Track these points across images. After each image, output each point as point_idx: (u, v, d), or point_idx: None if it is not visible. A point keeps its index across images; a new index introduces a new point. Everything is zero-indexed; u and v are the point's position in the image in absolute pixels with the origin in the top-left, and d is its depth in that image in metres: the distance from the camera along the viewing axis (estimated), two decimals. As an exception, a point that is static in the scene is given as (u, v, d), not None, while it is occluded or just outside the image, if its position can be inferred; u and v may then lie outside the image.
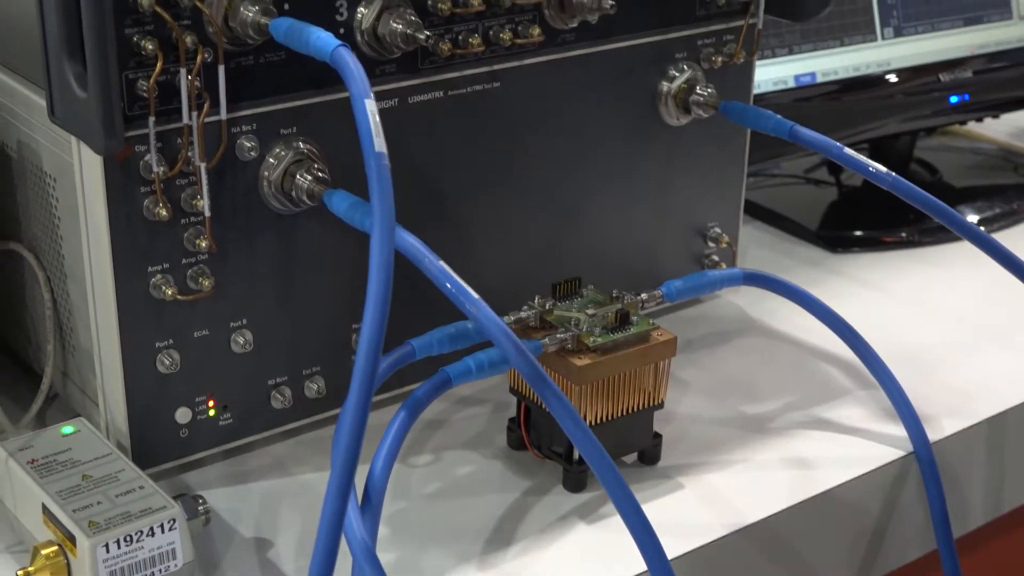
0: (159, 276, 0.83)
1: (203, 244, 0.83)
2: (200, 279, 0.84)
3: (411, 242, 0.77)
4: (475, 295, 0.76)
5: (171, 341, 0.85)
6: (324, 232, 0.88)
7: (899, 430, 0.95)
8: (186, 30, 0.79)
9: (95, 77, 0.74)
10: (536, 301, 0.88)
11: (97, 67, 0.74)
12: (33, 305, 0.93)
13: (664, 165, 1.06)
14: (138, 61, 0.78)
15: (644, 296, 0.93)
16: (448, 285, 0.75)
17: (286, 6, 0.83)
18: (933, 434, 0.95)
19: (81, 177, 0.82)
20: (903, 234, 1.28)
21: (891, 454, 0.93)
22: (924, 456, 0.93)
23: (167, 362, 0.85)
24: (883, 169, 0.96)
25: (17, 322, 0.97)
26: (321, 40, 0.76)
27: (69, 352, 0.91)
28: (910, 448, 0.94)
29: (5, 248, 0.92)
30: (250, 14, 0.80)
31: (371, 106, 0.72)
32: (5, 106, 0.90)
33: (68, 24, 0.76)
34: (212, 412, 0.88)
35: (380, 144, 0.72)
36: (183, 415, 0.87)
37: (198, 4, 0.79)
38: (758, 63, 1.10)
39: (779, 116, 1.01)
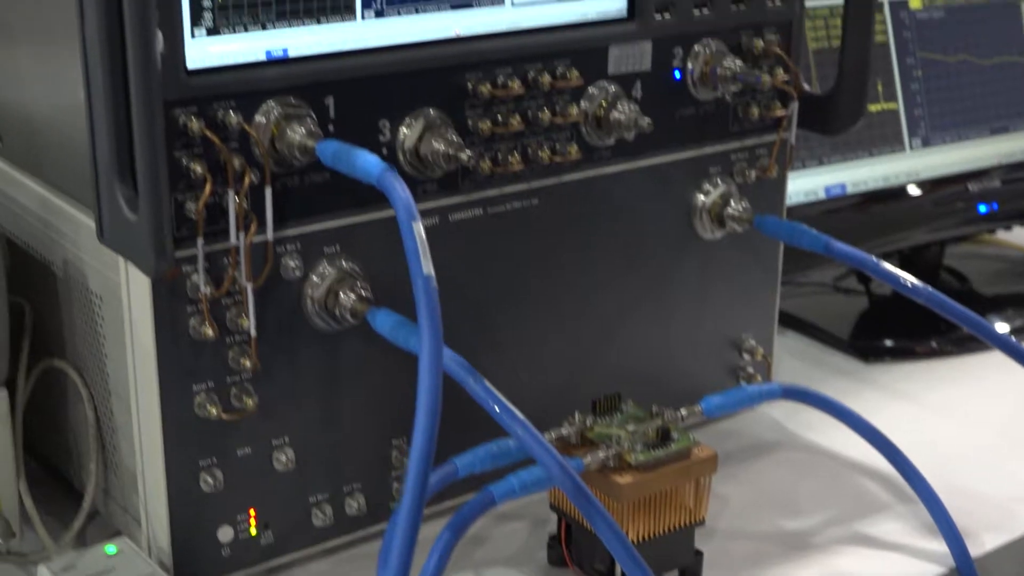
0: (203, 395, 0.84)
1: (247, 363, 0.84)
2: (244, 398, 0.85)
3: (456, 362, 0.78)
4: (520, 415, 0.76)
5: (214, 459, 0.85)
6: (367, 350, 0.89)
7: (940, 545, 0.94)
8: (234, 152, 0.80)
9: (147, 200, 0.75)
10: (576, 418, 0.89)
11: (149, 190, 0.75)
12: (76, 423, 0.94)
13: (699, 278, 1.06)
14: (187, 183, 0.80)
15: (683, 412, 0.93)
16: (495, 407, 0.76)
17: (331, 127, 0.84)
18: (975, 549, 0.94)
19: (128, 297, 0.83)
20: (934, 344, 1.28)
21: (933, 571, 0.93)
22: (966, 572, 0.93)
23: (210, 480, 0.85)
24: (919, 283, 0.97)
25: (59, 439, 0.97)
26: (368, 163, 0.78)
27: (111, 470, 0.91)
28: (952, 564, 0.93)
29: (49, 366, 0.93)
30: (297, 136, 0.81)
31: (418, 229, 0.73)
32: (52, 225, 0.91)
33: (119, 147, 0.77)
34: (253, 530, 0.88)
35: (428, 267, 0.73)
36: (225, 533, 0.87)
37: (246, 127, 0.80)
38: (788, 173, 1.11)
39: (814, 231, 1.01)
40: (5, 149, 0.96)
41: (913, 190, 1.32)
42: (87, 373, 0.91)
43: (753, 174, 1.06)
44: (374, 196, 0.79)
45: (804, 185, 1.24)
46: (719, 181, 1.05)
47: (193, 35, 0.79)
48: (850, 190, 1.27)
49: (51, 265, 0.92)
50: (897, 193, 1.31)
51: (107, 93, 0.75)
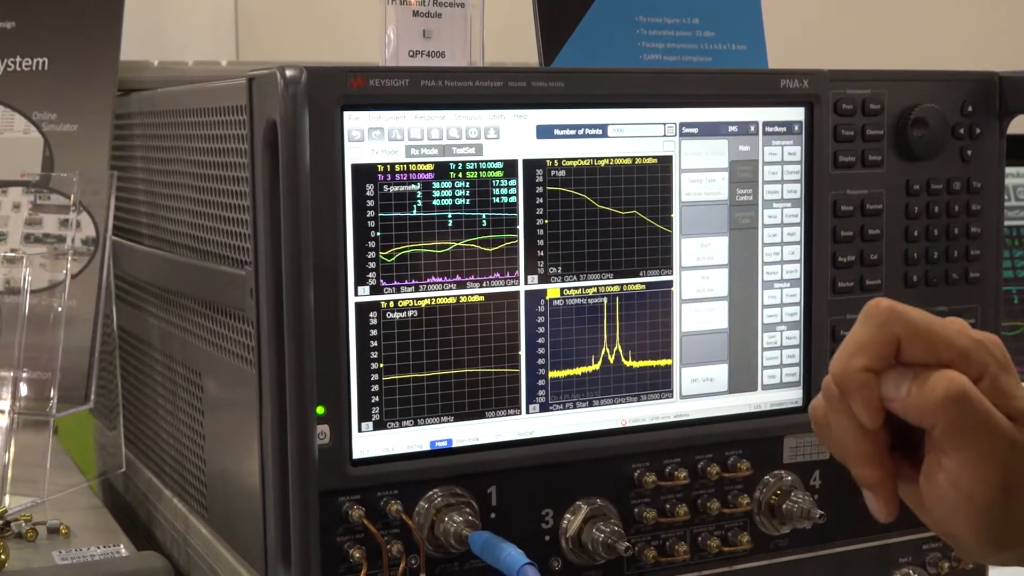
0: None
1: None
2: None
3: None
4: None
5: None
6: None
7: None
8: (393, 539, 0.84)
9: (300, 587, 0.80)
10: None
11: (302, 578, 0.80)
12: None
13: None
14: (347, 567, 0.84)
15: None
16: None
17: (492, 515, 0.88)
18: None
19: None
20: None
21: None
22: None
23: None
24: None
25: None
26: (511, 558, 0.81)
27: None
28: None
29: None
30: (454, 525, 0.85)
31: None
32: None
33: (284, 533, 0.82)
34: None
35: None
36: None
37: (404, 518, 0.84)
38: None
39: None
40: (212, 518, 1.03)
41: None
42: None
43: (947, 566, 1.03)
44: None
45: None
46: (911, 572, 1.02)
47: (360, 429, 0.84)
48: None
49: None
50: None
51: (278, 479, 0.82)
